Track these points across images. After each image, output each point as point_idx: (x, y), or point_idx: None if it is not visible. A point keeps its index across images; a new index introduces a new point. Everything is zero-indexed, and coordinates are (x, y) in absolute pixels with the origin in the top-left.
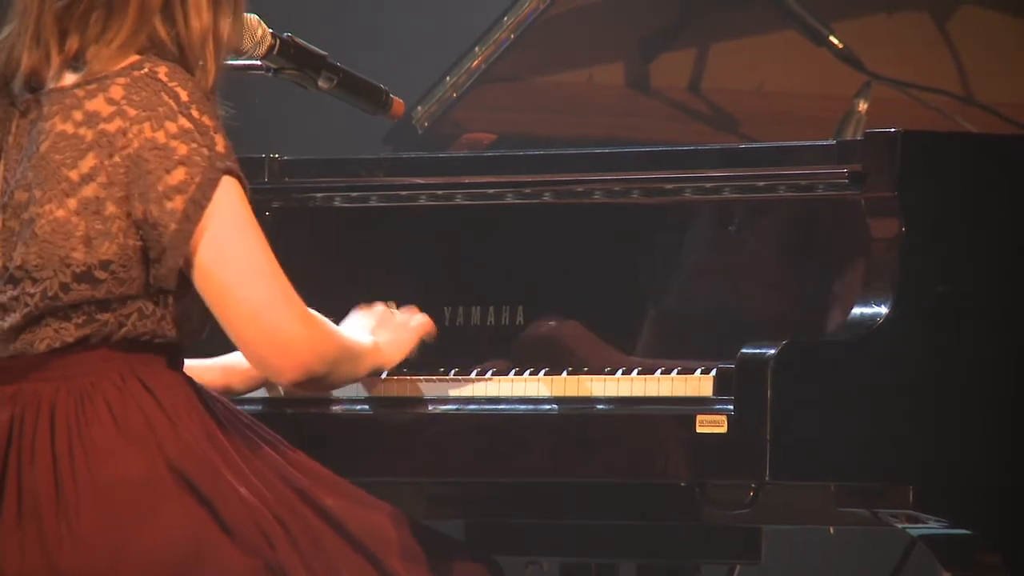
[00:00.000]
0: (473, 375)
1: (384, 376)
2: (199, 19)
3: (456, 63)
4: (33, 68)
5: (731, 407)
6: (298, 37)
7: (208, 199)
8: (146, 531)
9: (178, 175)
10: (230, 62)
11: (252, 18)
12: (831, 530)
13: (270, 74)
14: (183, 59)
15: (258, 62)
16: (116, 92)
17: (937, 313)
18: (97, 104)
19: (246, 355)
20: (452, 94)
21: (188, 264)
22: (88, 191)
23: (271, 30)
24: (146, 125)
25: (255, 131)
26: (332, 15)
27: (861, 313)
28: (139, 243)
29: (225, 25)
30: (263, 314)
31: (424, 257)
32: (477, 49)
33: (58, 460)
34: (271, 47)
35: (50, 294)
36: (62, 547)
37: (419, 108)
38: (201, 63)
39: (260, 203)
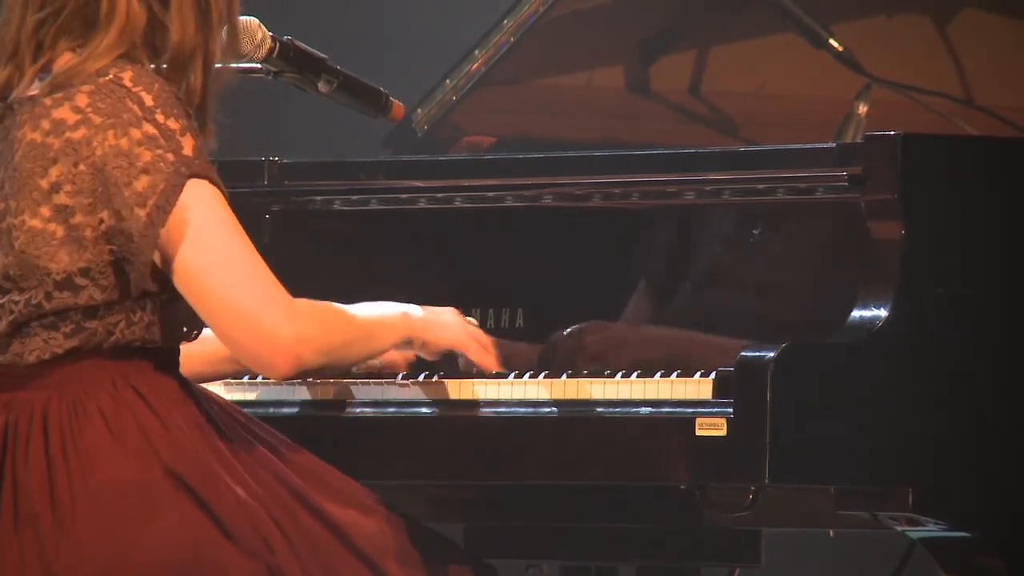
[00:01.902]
0: (473, 378)
1: (385, 380)
2: (186, 37)
3: (456, 66)
4: (6, 81)
5: (730, 410)
6: (298, 40)
7: (172, 204)
8: (144, 535)
9: (142, 182)
10: (230, 65)
11: (252, 21)
12: (831, 533)
13: (270, 77)
14: (168, 72)
15: (258, 65)
16: (81, 100)
17: (937, 315)
18: (63, 112)
19: (236, 355)
20: (452, 97)
21: (168, 268)
22: (58, 200)
23: (271, 33)
24: (110, 133)
25: (255, 134)
26: (332, 18)
27: (861, 316)
28: (112, 249)
29: (216, 44)
30: (245, 314)
31: (424, 260)
32: (477, 52)
33: (53, 466)
34: (271, 50)
35: (34, 302)
36: (59, 553)
37: (419, 111)
38: (188, 80)
39: (259, 206)
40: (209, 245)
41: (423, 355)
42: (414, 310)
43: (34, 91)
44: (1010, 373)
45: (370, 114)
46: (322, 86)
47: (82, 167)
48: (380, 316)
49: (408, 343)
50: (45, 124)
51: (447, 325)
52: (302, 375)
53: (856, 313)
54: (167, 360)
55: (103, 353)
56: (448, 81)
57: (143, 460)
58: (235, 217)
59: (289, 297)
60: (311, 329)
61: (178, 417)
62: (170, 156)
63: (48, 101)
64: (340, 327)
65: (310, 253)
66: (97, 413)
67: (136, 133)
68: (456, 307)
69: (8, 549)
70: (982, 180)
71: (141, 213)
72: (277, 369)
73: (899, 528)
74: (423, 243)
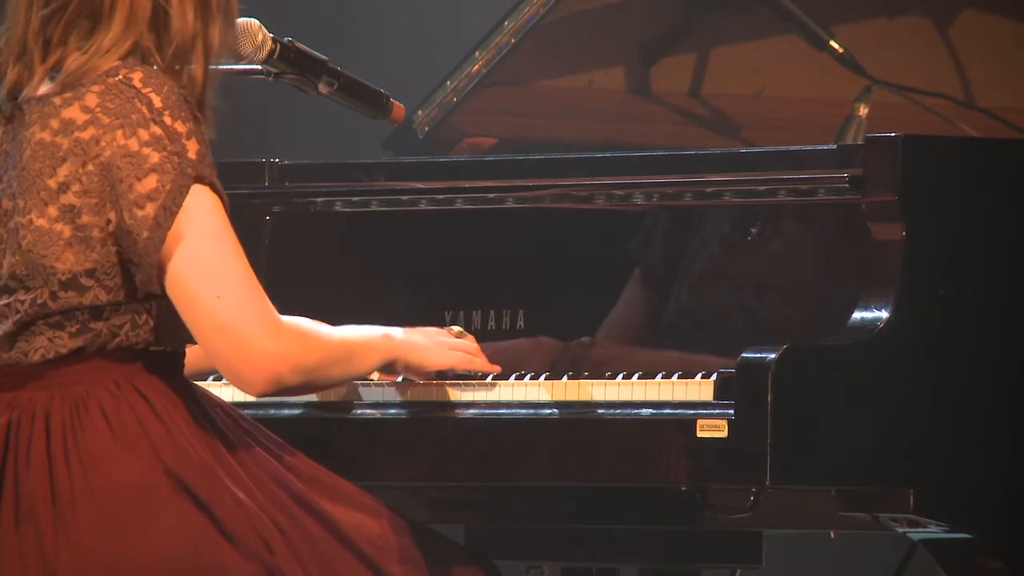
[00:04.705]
0: (473, 380)
1: (386, 381)
2: (186, 25)
3: (457, 67)
4: (16, 81)
5: (732, 411)
6: (299, 42)
7: (179, 205)
8: (145, 536)
9: (149, 183)
10: (231, 67)
11: (253, 23)
12: (832, 534)
13: (271, 79)
14: (171, 66)
15: (259, 67)
16: (91, 100)
17: (938, 317)
18: (73, 112)
19: (216, 365)
20: (453, 98)
21: (161, 272)
22: (66, 200)
23: (272, 35)
24: (119, 132)
25: (256, 135)
26: (333, 20)
27: (862, 317)
28: (119, 250)
29: (215, 31)
30: (231, 326)
31: (425, 261)
32: (478, 53)
33: (54, 466)
34: (272, 51)
35: (40, 302)
36: (60, 553)
37: (419, 112)
38: (190, 70)
39: (260, 208)
40: (203, 254)
41: (410, 377)
42: (396, 332)
43: (44, 90)
44: (1011, 374)
45: (371, 116)
46: (323, 88)
47: (90, 167)
48: (362, 338)
49: (391, 365)
50: (54, 123)
51: (431, 347)
52: (280, 393)
53: (857, 315)
54: (171, 363)
55: (107, 354)
56: (449, 83)
57: (144, 461)
58: (231, 228)
59: (276, 314)
60: (293, 348)
61: (180, 419)
62: (176, 158)
63: (58, 100)
64: (321, 347)
65: (311, 255)
66: (99, 413)
67: (144, 134)
68: (456, 308)
69: (9, 548)
70: (982, 182)
71: (147, 213)
72: (255, 385)
73: (900, 529)
74: (424, 244)
